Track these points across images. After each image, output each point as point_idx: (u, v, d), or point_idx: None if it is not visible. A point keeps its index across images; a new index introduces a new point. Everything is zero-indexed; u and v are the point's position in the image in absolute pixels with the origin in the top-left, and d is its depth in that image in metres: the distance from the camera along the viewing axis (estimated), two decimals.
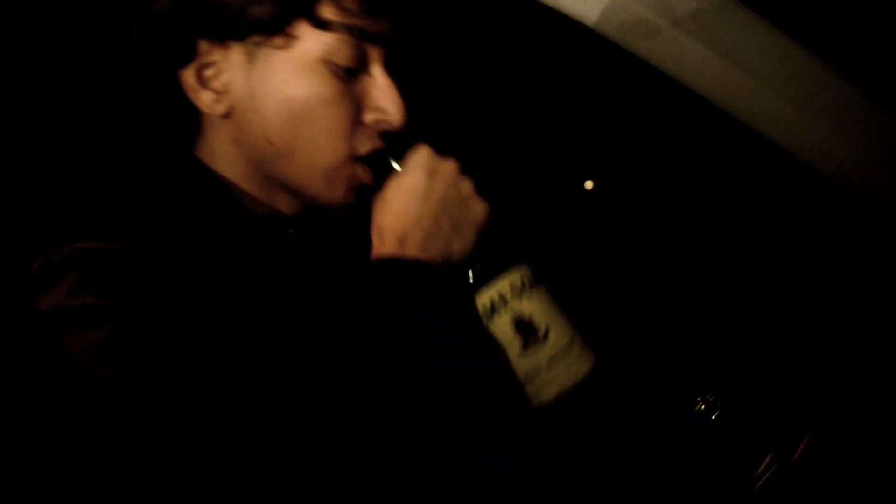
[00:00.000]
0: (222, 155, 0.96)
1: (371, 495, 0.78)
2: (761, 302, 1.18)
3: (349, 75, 0.92)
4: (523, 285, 0.91)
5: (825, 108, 1.03)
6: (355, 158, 0.95)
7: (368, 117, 0.95)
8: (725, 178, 1.15)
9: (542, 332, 0.90)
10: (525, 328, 0.90)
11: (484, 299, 0.91)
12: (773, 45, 1.01)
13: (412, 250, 0.89)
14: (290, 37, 0.89)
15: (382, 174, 0.95)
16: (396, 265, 0.89)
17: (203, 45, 0.91)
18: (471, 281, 0.92)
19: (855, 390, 1.14)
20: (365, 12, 0.90)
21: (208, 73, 0.92)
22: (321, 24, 0.89)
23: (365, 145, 0.95)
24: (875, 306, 1.14)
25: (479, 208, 0.94)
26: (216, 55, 0.91)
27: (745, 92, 1.01)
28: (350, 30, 0.90)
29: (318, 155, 0.93)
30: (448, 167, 0.93)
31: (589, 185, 0.93)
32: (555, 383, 0.90)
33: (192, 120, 0.96)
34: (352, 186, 0.96)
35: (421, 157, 0.93)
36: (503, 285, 0.91)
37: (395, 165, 0.95)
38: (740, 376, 1.15)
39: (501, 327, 0.90)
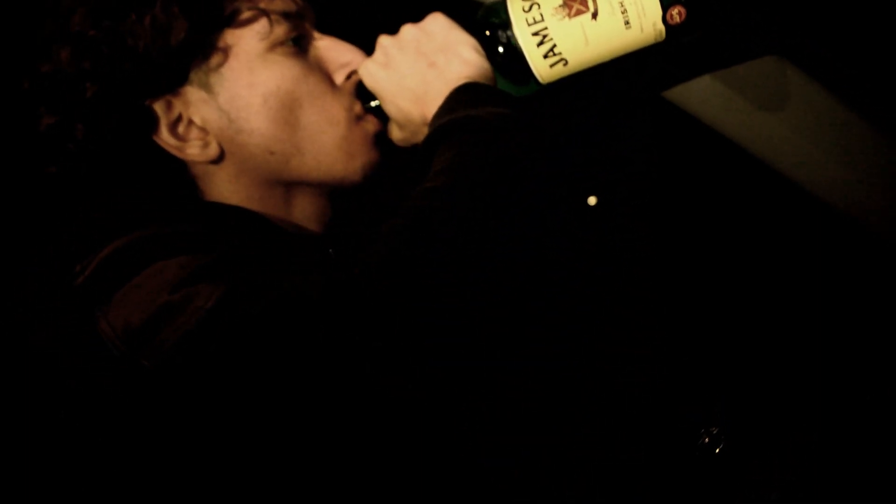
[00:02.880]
0: (233, 192, 0.91)
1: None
2: (764, 323, 1.15)
3: (300, 48, 0.90)
4: None
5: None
6: (356, 118, 0.92)
7: (338, 78, 0.92)
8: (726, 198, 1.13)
9: None
10: None
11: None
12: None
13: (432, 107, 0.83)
14: (224, 48, 0.86)
15: (386, 120, 0.92)
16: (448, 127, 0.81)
17: (157, 106, 0.87)
18: None
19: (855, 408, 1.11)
20: None
21: (181, 127, 0.88)
22: (242, 21, 0.86)
23: (355, 104, 0.92)
24: (876, 324, 1.11)
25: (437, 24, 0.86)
26: (176, 107, 0.87)
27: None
28: (266, 10, 0.86)
29: (323, 132, 0.90)
30: (396, 38, 0.88)
31: (592, 200, 0.91)
32: None
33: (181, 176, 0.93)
34: (370, 144, 0.93)
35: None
36: None
37: None
38: (745, 403, 1.12)
39: None
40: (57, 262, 0.81)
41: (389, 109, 0.89)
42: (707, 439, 1.09)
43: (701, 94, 1.01)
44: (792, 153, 1.01)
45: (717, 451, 1.09)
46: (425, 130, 0.86)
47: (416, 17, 0.89)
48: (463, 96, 0.82)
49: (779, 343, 1.14)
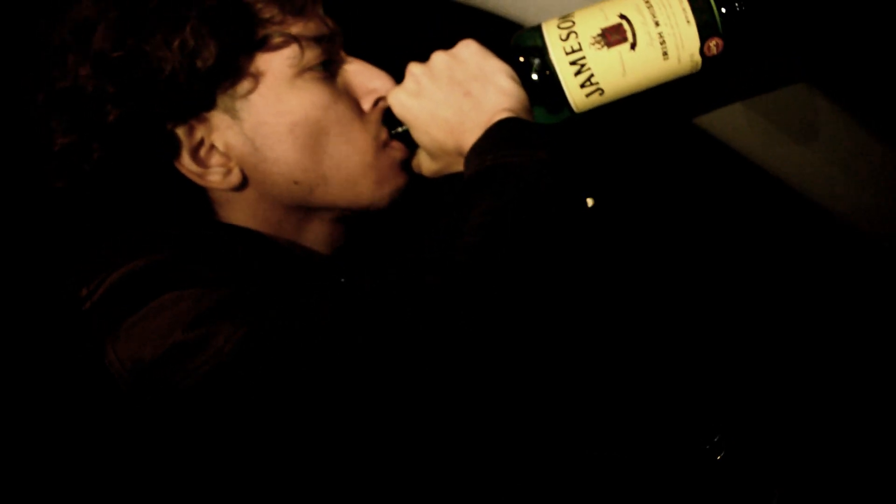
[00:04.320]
0: (249, 217, 0.89)
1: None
2: (767, 332, 1.17)
3: (328, 72, 0.87)
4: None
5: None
6: (383, 145, 0.90)
7: (366, 105, 0.90)
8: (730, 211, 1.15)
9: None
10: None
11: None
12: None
13: (471, 138, 0.81)
14: (253, 74, 0.83)
15: (413, 147, 0.90)
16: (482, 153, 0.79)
17: (180, 131, 0.83)
18: None
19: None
20: (297, 13, 0.84)
21: (202, 151, 0.85)
22: (273, 46, 0.83)
23: (382, 131, 0.89)
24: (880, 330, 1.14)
25: (471, 53, 0.84)
26: (199, 132, 0.84)
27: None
28: (297, 36, 0.84)
29: (350, 160, 0.87)
30: (428, 66, 0.85)
31: (590, 202, 0.90)
32: None
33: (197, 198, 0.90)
34: (397, 171, 0.91)
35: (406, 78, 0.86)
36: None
37: None
38: (747, 411, 1.14)
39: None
40: (63, 284, 0.78)
41: (422, 139, 0.86)
42: (709, 447, 1.10)
43: (727, 119, 1.02)
44: (812, 174, 1.02)
45: (719, 458, 1.11)
46: (459, 161, 0.84)
47: (445, 44, 0.87)
48: (504, 133, 0.80)
49: (782, 351, 1.16)
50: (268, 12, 0.82)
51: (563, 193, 0.77)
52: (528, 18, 0.96)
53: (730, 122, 1.02)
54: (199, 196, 0.89)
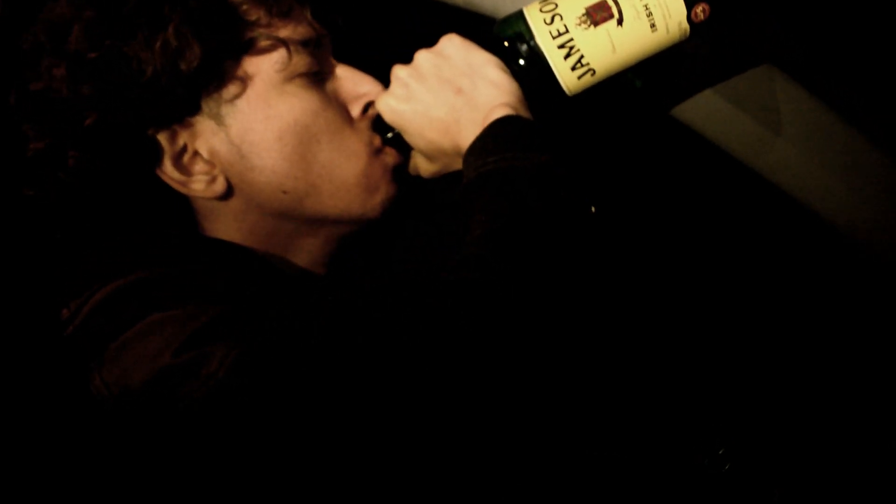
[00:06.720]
0: (236, 230, 0.85)
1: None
2: (769, 342, 1.17)
3: (317, 79, 0.84)
4: None
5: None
6: (376, 152, 0.87)
7: (355, 110, 0.87)
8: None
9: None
10: None
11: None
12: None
13: (466, 139, 0.78)
14: (239, 78, 0.80)
15: (406, 151, 0.87)
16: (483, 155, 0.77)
17: (161, 136, 0.80)
18: None
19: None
20: (285, 16, 0.81)
21: (185, 158, 0.81)
22: (260, 50, 0.80)
23: (374, 137, 0.86)
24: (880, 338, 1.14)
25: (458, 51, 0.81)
26: (181, 137, 0.80)
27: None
28: (286, 40, 0.80)
29: (341, 168, 0.84)
30: (413, 67, 0.82)
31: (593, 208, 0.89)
32: None
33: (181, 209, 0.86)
34: (389, 178, 0.87)
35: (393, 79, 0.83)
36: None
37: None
38: (750, 423, 1.13)
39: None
40: (43, 303, 0.75)
41: (417, 143, 0.83)
42: (712, 459, 1.09)
43: (698, 105, 1.01)
44: (782, 160, 1.02)
45: (723, 471, 1.09)
46: (457, 160, 0.81)
47: (425, 42, 0.84)
48: (504, 133, 0.77)
49: (781, 352, 1.15)
50: (254, 14, 0.79)
51: (569, 200, 0.75)
52: (502, 10, 0.93)
53: (723, 124, 1.01)
54: (182, 206, 0.85)
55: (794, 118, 1.01)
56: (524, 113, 0.80)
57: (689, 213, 1.12)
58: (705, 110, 1.01)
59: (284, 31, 0.81)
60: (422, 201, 0.95)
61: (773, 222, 1.10)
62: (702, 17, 0.82)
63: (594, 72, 0.83)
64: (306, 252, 0.89)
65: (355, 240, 0.92)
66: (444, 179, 0.89)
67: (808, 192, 1.04)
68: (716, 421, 1.11)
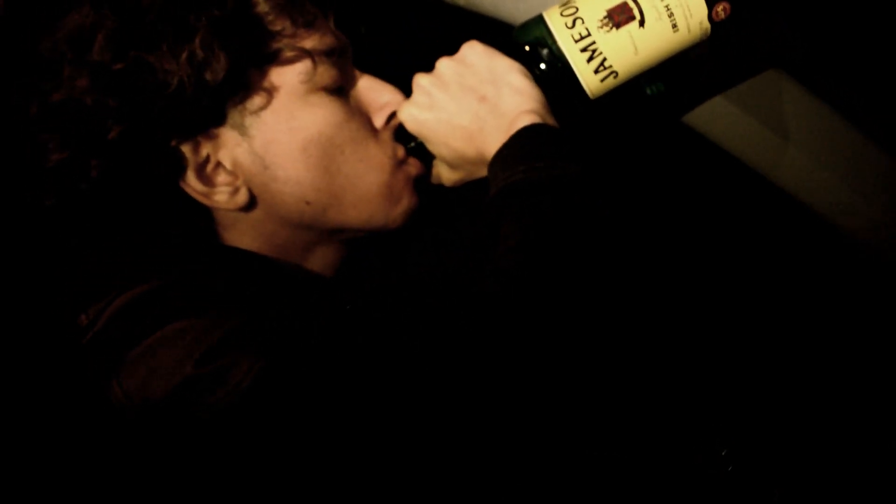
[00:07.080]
0: (254, 238, 0.84)
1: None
2: (772, 345, 1.16)
3: (341, 89, 0.83)
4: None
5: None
6: (399, 163, 0.86)
7: (378, 121, 0.86)
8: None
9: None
10: None
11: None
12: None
13: (491, 146, 0.78)
14: (265, 89, 0.79)
15: (428, 160, 0.87)
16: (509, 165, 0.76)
17: (185, 147, 0.78)
18: None
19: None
20: (309, 26, 0.81)
21: (208, 169, 0.80)
22: (285, 60, 0.79)
23: (398, 148, 0.86)
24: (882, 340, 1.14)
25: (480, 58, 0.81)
26: (205, 148, 0.79)
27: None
28: (310, 50, 0.80)
29: (365, 179, 0.83)
30: (435, 75, 0.82)
31: None
32: None
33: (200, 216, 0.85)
34: (412, 188, 0.87)
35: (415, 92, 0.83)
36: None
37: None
38: (753, 425, 1.12)
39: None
40: (61, 311, 0.74)
41: (441, 152, 0.83)
42: (715, 460, 1.08)
43: (703, 109, 1.01)
44: (787, 162, 1.01)
45: (726, 472, 1.08)
46: (482, 168, 0.81)
47: (446, 50, 0.83)
48: (529, 140, 0.77)
49: (781, 353, 1.15)
50: (279, 24, 0.78)
51: (603, 210, 0.74)
52: (519, 16, 0.93)
53: (729, 126, 1.01)
54: (203, 217, 0.84)
55: (800, 121, 1.01)
56: (550, 120, 0.79)
57: (690, 214, 1.12)
58: (710, 113, 1.01)
59: (309, 42, 0.80)
60: (437, 206, 0.94)
61: (777, 224, 1.10)
62: (723, 15, 0.82)
63: (616, 74, 0.82)
64: (320, 257, 0.88)
65: (369, 243, 0.91)
66: (462, 185, 0.88)
67: (813, 194, 1.04)
68: (718, 422, 1.10)
